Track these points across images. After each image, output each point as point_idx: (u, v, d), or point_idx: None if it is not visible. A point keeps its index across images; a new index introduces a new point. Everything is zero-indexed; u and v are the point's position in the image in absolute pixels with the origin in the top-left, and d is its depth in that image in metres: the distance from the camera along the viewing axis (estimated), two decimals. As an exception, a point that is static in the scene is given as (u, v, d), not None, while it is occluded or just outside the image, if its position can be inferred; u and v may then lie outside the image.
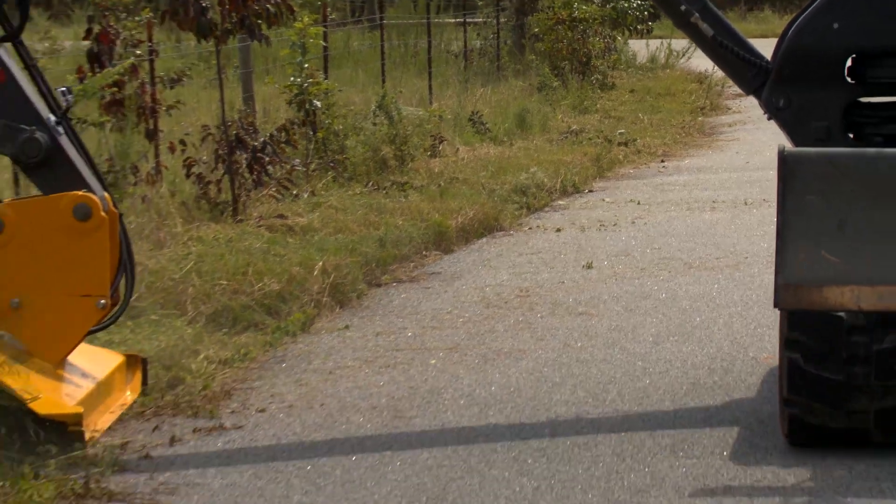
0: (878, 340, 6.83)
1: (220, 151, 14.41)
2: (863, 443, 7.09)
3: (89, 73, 14.03)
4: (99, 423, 7.79)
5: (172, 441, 8.02)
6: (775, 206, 7.10)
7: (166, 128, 14.87)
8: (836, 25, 7.60)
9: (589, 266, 13.16)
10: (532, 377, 9.32)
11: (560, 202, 17.62)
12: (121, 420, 8.40)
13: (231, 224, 13.41)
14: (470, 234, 14.91)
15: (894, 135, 7.82)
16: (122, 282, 8.38)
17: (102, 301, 7.86)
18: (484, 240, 14.91)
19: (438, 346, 10.25)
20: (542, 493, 7.09)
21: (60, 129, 8.09)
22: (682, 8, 7.97)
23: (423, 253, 13.84)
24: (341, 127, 17.15)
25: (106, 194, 8.22)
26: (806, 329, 6.95)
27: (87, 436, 7.48)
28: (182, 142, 14.60)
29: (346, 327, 10.91)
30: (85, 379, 7.95)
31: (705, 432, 8.06)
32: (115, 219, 8.17)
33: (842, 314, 6.83)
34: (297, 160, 15.87)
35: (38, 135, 7.84)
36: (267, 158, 14.95)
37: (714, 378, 9.14)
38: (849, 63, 7.85)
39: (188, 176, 14.27)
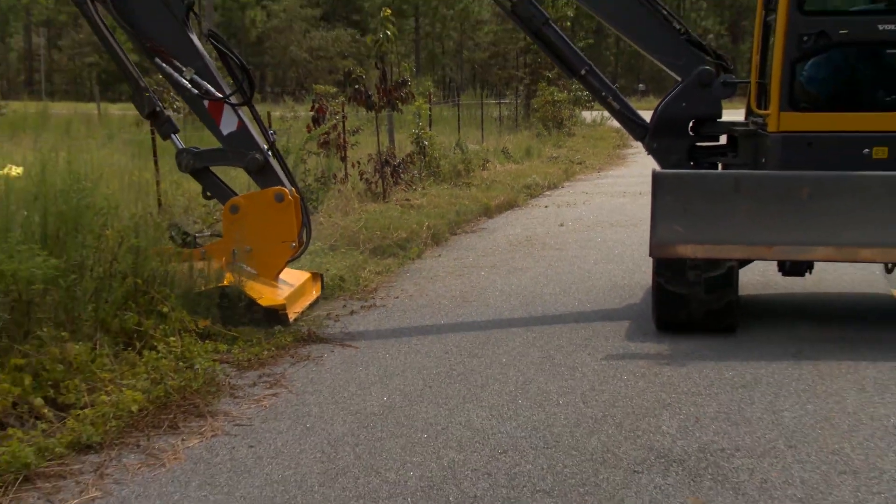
0: (705, 273, 6.80)
1: (377, 167, 14.47)
2: (696, 329, 7.06)
3: (313, 128, 14.24)
4: (297, 308, 7.74)
5: (351, 313, 8.18)
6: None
7: (350, 155, 14.95)
8: (683, 104, 7.58)
9: (561, 225, 13.12)
10: (532, 281, 9.40)
11: (547, 193, 17.57)
12: (326, 302, 8.53)
13: (382, 203, 13.48)
14: (501, 208, 14.91)
15: (714, 163, 7.84)
16: (305, 234, 8.26)
17: (293, 244, 7.79)
18: (509, 211, 14.88)
19: (485, 264, 10.30)
20: (537, 339, 7.26)
21: (269, 153, 7.95)
22: (603, 94, 8.00)
23: (478, 218, 13.84)
24: (437, 154, 17.16)
25: (293, 188, 7.98)
26: (666, 270, 6.93)
27: (290, 317, 7.40)
28: (358, 162, 14.67)
29: (439, 255, 10.96)
30: (288, 286, 7.89)
31: (620, 311, 8.17)
32: (298, 200, 7.94)
33: (685, 260, 6.81)
34: (416, 171, 15.88)
35: (257, 156, 7.71)
36: (400, 170, 15.03)
37: (625, 282, 9.22)
38: (691, 124, 7.82)
39: (361, 179, 14.30)
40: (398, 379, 6.28)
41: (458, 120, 24.27)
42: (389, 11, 15.56)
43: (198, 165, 7.84)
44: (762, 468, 4.77)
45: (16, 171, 7.85)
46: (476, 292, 8.93)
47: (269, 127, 8.38)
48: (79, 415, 5.26)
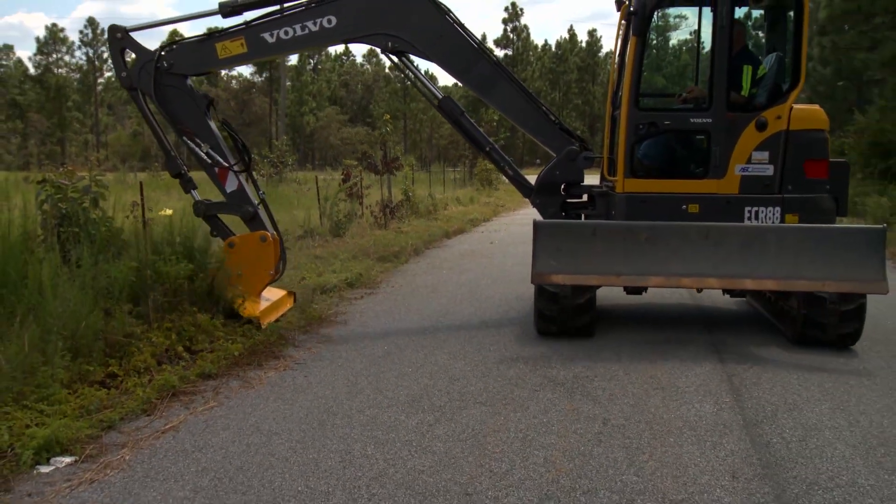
0: (570, 300, 5.88)
1: (381, 208, 14.28)
2: (566, 336, 6.06)
3: (342, 184, 13.99)
4: (270, 318, 6.28)
5: (362, 297, 7.93)
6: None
7: (365, 201, 14.78)
8: (557, 172, 6.53)
9: (491, 243, 12.95)
10: (475, 276, 9.27)
11: (483, 224, 17.27)
12: (351, 290, 8.18)
13: (384, 230, 13.27)
14: (456, 233, 14.64)
15: (579, 215, 6.78)
16: (281, 265, 6.85)
17: (272, 271, 6.37)
18: (460, 235, 14.63)
19: (446, 266, 10.13)
20: (477, 311, 7.14)
21: (259, 207, 6.57)
22: (502, 164, 6.75)
23: (442, 239, 13.62)
24: (417, 201, 16.90)
25: (275, 232, 6.56)
26: (543, 297, 5.86)
27: (263, 324, 6.02)
28: (370, 205, 14.45)
29: (418, 261, 10.71)
30: (266, 301, 6.59)
31: (527, 294, 7.95)
32: (278, 240, 6.52)
33: (557, 290, 5.78)
34: (404, 211, 15.70)
35: (249, 208, 6.46)
36: (395, 210, 14.85)
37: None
38: (562, 187, 6.69)
39: (371, 216, 14.08)
40: (393, 336, 6.21)
41: (430, 180, 24.20)
42: (389, 116, 15.95)
43: (208, 213, 6.74)
44: (610, 387, 4.78)
45: (168, 212, 7.72)
46: (440, 283, 8.81)
47: (260, 188, 6.85)
48: (204, 357, 5.21)
